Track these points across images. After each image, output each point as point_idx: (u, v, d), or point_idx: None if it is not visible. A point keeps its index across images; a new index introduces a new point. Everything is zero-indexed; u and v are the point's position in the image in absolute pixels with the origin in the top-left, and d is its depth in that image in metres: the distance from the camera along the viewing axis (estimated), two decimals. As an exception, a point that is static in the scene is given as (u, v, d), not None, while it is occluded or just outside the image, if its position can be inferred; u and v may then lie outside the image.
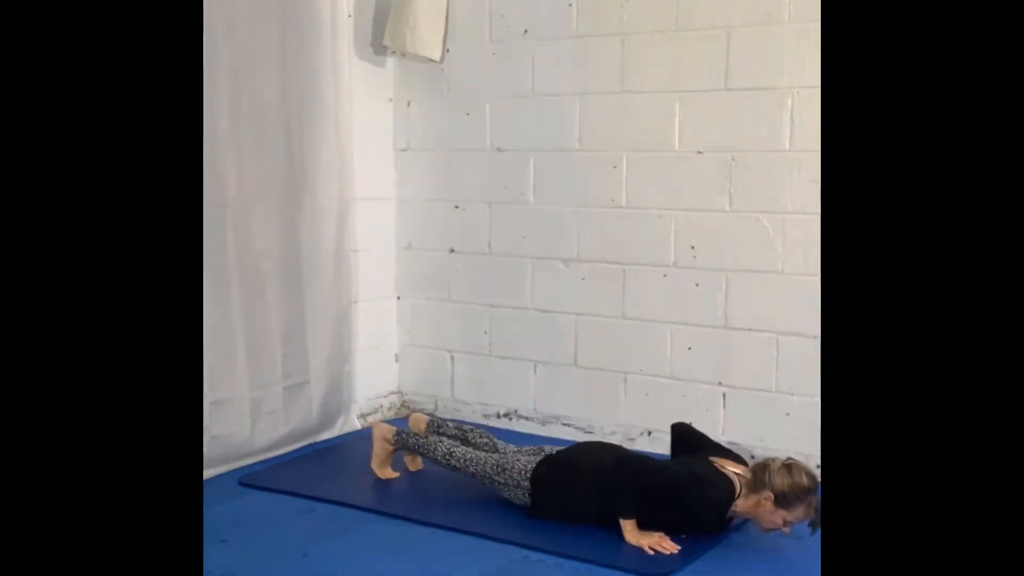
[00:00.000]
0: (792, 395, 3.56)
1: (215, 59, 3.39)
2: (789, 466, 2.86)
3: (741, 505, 2.94)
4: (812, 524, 2.85)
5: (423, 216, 4.31)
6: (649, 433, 3.83)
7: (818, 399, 3.41)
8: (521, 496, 3.13)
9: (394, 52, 4.20)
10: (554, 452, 3.22)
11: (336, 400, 4.05)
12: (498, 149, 4.09)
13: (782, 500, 2.84)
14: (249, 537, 2.98)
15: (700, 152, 3.64)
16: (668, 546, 2.85)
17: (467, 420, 4.29)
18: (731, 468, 3.03)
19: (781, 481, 2.84)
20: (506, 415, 4.21)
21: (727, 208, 3.61)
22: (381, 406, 4.38)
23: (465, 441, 3.45)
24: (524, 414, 4.16)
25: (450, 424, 3.59)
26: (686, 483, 2.91)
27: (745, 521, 3.03)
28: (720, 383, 3.71)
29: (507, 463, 3.17)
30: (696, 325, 3.71)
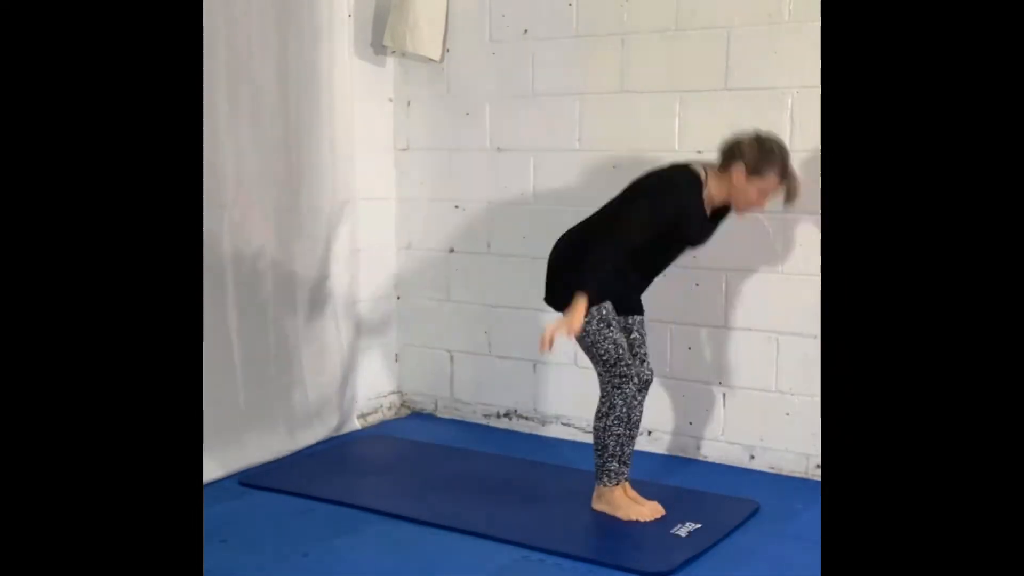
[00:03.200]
0: (792, 395, 3.56)
1: (215, 59, 3.39)
2: (758, 136, 2.85)
3: (714, 188, 2.92)
4: (788, 194, 2.88)
5: (423, 216, 4.31)
6: (649, 433, 3.83)
7: (818, 399, 3.41)
8: None
9: (394, 52, 4.20)
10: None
11: (334, 399, 4.05)
12: (498, 149, 4.09)
13: (754, 167, 2.82)
14: (249, 537, 2.98)
15: (700, 152, 3.63)
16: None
17: (467, 420, 4.29)
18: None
19: (750, 148, 2.84)
20: (506, 415, 4.21)
21: (727, 208, 3.61)
22: (381, 406, 4.38)
23: None
24: (524, 414, 4.16)
25: None
26: (647, 201, 2.87)
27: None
28: (720, 383, 3.71)
29: None
30: (696, 325, 3.71)
